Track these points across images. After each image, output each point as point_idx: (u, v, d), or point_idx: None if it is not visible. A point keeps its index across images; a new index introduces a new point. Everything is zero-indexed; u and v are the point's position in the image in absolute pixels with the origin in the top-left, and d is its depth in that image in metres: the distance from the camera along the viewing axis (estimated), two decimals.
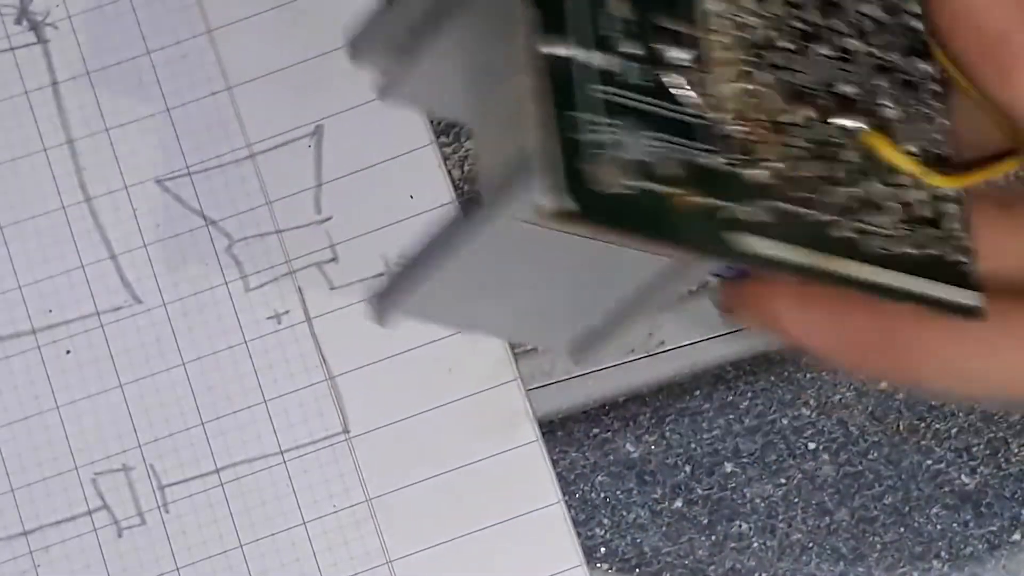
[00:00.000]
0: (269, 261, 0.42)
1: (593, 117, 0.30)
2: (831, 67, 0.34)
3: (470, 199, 0.43)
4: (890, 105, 0.34)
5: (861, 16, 0.34)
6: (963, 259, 0.33)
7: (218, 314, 0.42)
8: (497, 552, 0.41)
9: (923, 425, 0.43)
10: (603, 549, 0.42)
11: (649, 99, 0.31)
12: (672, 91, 0.31)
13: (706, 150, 0.31)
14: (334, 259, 0.42)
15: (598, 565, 0.42)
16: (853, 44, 0.34)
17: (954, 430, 0.43)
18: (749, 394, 0.43)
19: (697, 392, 0.43)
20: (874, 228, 0.33)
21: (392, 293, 0.38)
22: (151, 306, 0.42)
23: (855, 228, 0.32)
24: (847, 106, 0.34)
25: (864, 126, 0.33)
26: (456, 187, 0.43)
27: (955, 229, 0.33)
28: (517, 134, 0.29)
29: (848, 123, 0.33)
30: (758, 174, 0.32)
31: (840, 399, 0.43)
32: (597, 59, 0.30)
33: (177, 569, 0.41)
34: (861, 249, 0.32)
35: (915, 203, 0.33)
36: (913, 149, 0.34)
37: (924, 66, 0.35)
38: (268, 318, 0.42)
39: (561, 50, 0.29)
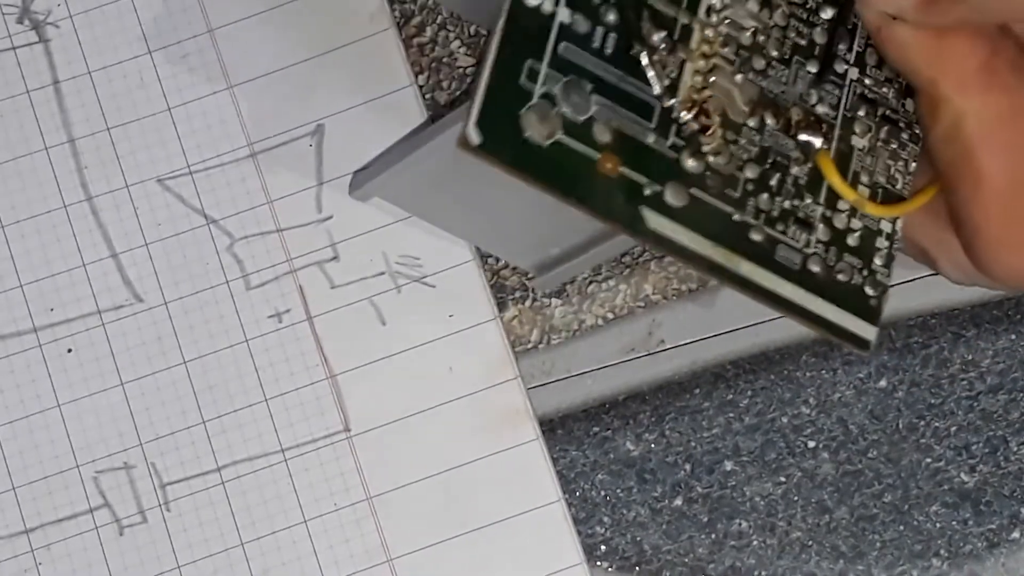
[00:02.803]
0: (270, 260, 0.43)
1: (549, 70, 0.31)
2: (813, 86, 0.35)
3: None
4: (858, 133, 0.35)
5: (866, 47, 0.35)
6: (874, 294, 0.35)
7: (219, 313, 0.42)
8: (497, 550, 0.41)
9: (922, 423, 0.43)
10: (603, 547, 0.42)
11: (614, 69, 0.32)
12: (643, 68, 0.32)
13: (653, 129, 0.32)
14: (335, 258, 0.42)
15: (598, 563, 0.42)
16: (844, 69, 0.35)
17: (953, 428, 0.43)
18: (749, 392, 0.43)
19: (697, 390, 0.43)
20: (795, 242, 0.34)
21: (370, 172, 0.39)
22: (152, 305, 0.42)
23: (777, 238, 0.34)
24: (814, 124, 0.34)
25: (818, 145, 0.34)
26: None
27: (878, 264, 0.35)
28: None
29: (807, 139, 0.35)
30: (696, 165, 0.33)
31: (839, 397, 0.43)
32: (577, 20, 0.31)
33: (178, 567, 0.41)
34: (776, 259, 0.34)
35: (848, 231, 0.35)
36: (864, 179, 0.35)
37: (912, 108, 0.36)
38: (269, 317, 0.42)
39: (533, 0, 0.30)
